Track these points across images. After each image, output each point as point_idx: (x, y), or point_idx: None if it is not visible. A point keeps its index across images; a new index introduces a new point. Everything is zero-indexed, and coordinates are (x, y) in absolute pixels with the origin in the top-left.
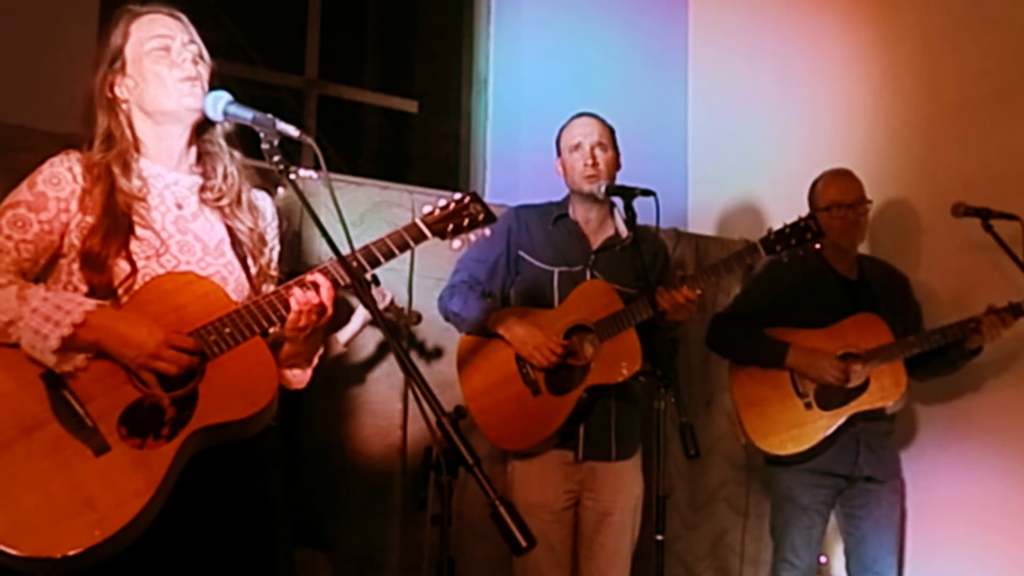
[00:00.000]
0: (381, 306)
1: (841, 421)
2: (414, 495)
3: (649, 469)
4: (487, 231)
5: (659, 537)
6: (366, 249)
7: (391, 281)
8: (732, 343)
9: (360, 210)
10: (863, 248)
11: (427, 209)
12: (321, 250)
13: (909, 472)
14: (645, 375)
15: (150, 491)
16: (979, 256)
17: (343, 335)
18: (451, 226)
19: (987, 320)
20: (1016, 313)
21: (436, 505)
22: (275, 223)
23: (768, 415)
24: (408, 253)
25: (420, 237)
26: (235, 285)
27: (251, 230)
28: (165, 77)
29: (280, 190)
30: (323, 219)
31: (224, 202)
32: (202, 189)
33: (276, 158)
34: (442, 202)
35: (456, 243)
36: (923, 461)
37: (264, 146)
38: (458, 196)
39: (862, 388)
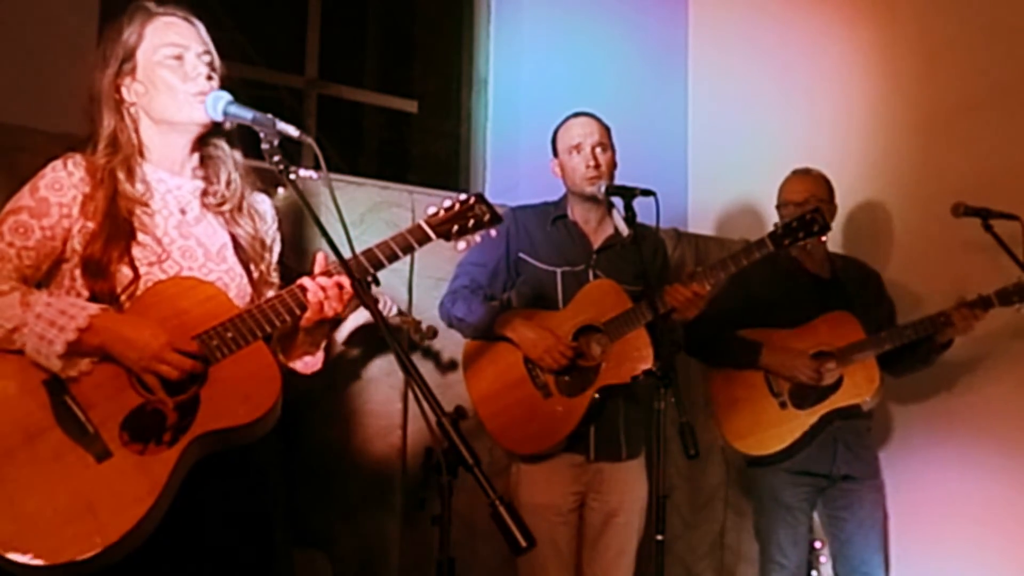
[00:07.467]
0: (387, 314)
1: (816, 419)
2: (414, 495)
3: (649, 469)
4: (493, 232)
5: (659, 537)
6: (369, 252)
7: (391, 281)
8: (707, 346)
9: (360, 210)
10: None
11: (432, 210)
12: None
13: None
14: (645, 375)
15: (152, 497)
16: (979, 256)
17: (340, 334)
18: (456, 227)
19: (957, 314)
20: (986, 305)
21: (436, 505)
22: (275, 225)
23: (744, 416)
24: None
25: (424, 239)
26: (237, 291)
27: (252, 236)
28: (177, 89)
29: (280, 190)
30: (323, 219)
31: (226, 207)
32: (204, 193)
33: (276, 158)
34: (447, 203)
35: (461, 244)
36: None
37: (264, 146)
38: (463, 197)
39: (836, 386)
